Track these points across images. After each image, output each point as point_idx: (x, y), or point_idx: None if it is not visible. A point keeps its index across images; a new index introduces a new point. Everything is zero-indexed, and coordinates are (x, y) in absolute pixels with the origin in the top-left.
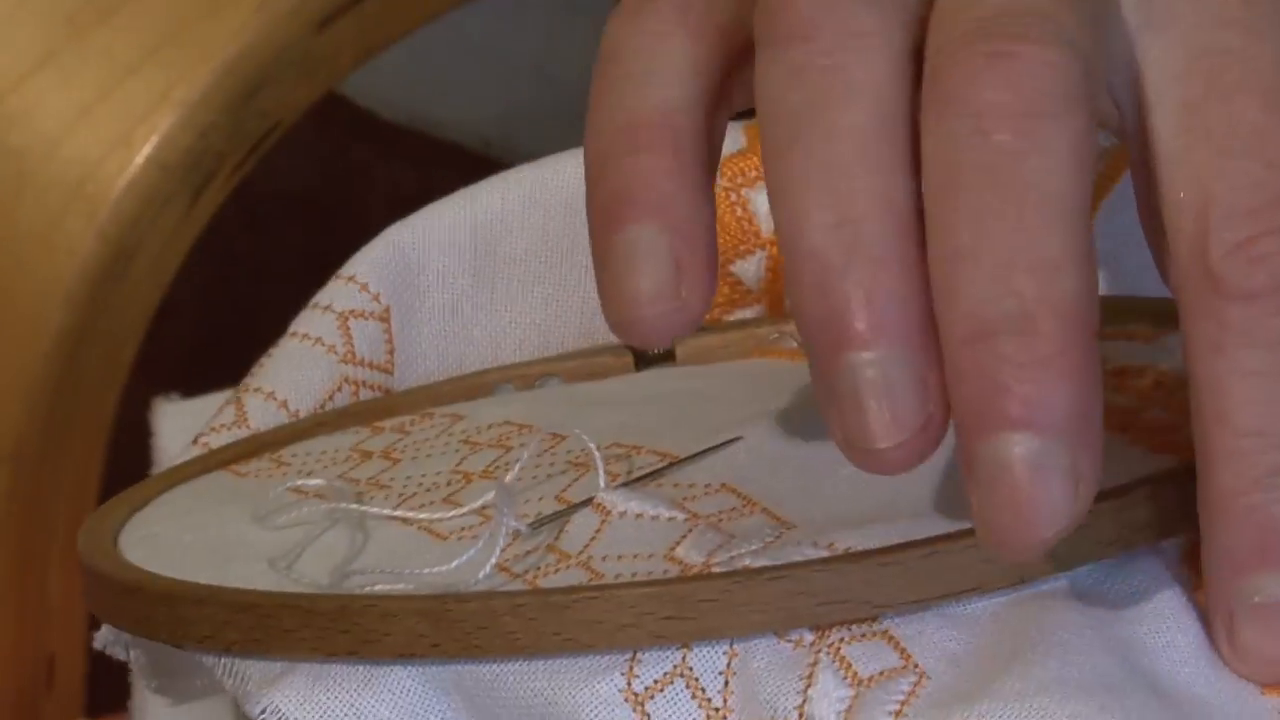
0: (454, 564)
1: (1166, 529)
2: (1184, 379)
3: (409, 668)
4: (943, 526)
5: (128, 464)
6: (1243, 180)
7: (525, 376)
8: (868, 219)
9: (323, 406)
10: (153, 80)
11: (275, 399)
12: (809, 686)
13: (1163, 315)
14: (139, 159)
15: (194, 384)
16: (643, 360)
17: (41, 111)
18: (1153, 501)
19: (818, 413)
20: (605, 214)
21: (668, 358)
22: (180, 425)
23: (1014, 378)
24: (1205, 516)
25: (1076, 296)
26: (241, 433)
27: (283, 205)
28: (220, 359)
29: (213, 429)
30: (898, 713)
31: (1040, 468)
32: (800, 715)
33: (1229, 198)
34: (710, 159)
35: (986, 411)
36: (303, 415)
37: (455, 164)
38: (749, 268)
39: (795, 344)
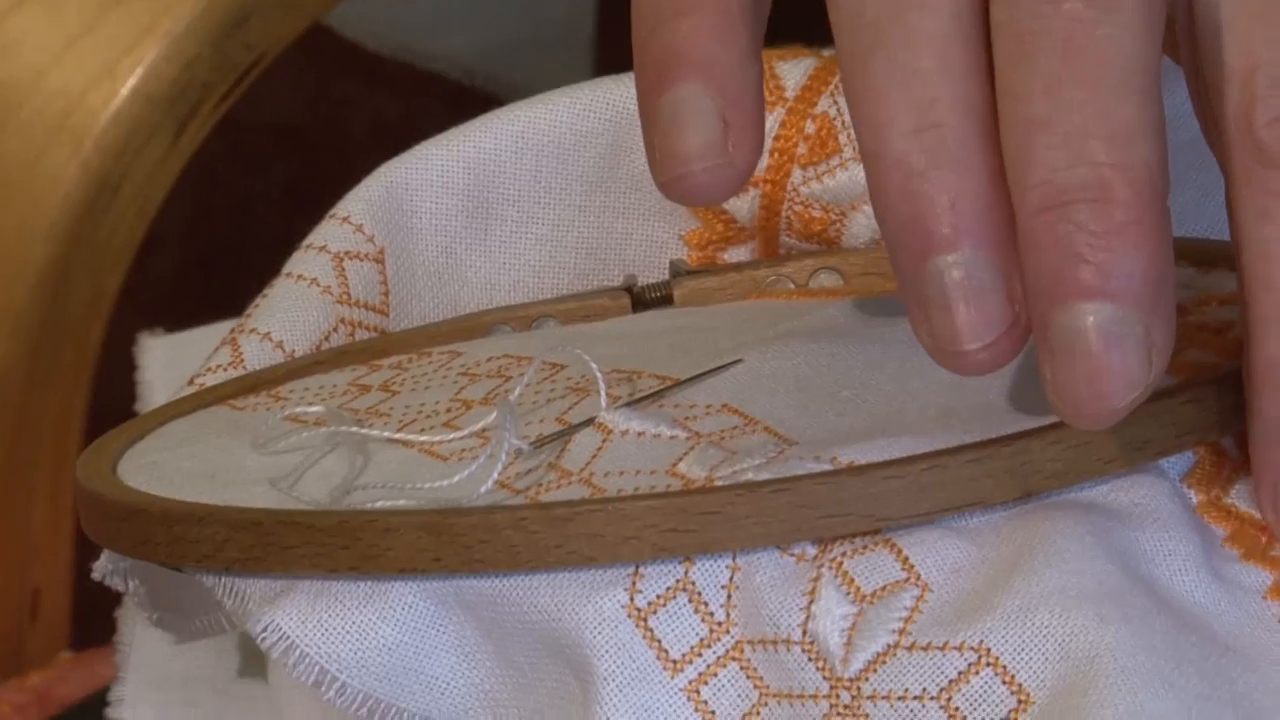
0: (455, 478)
1: (1167, 446)
2: (1225, 324)
3: (411, 583)
4: (946, 441)
5: (112, 398)
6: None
7: (522, 318)
8: (949, 123)
9: (319, 347)
10: (138, 12)
11: (271, 340)
12: (812, 603)
13: (1204, 255)
14: (124, 91)
15: (179, 316)
16: (640, 302)
17: (26, 45)
18: (1154, 419)
19: (817, 338)
20: (653, 75)
21: (665, 300)
22: (165, 359)
23: (1088, 246)
24: (1252, 386)
25: (1150, 165)
26: (237, 373)
27: (268, 137)
28: (205, 291)
29: (209, 370)
30: (901, 630)
31: (1115, 335)
32: (804, 633)
33: (1273, 65)
34: (757, 21)
35: (1061, 280)
36: (298, 356)
37: (439, 95)
38: (742, 205)
39: (793, 286)
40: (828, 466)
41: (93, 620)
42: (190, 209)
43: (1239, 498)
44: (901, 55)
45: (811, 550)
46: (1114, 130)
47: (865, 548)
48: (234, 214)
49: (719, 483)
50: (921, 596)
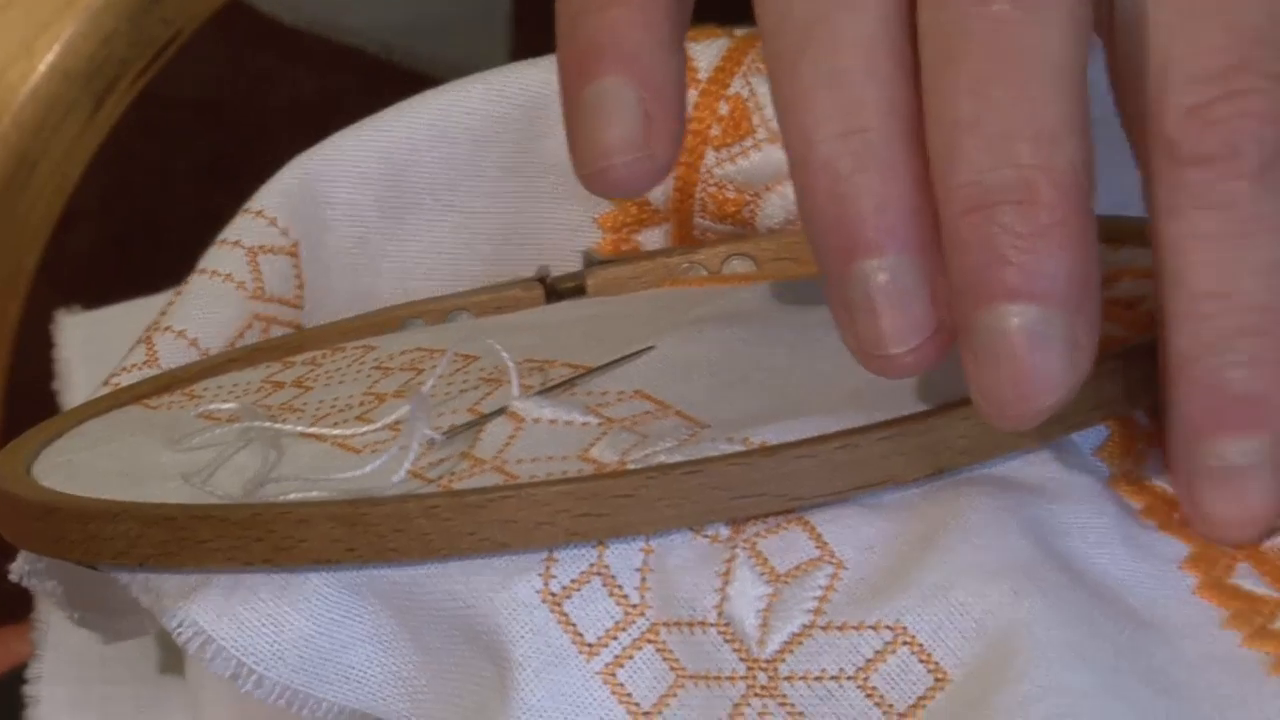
0: (368, 469)
1: (1078, 421)
2: (1137, 298)
3: (325, 574)
4: (858, 421)
5: (30, 375)
6: (1203, 44)
7: (435, 311)
8: (875, 127)
9: (233, 344)
10: None
11: (185, 337)
12: (727, 584)
13: (1114, 232)
14: (41, 67)
15: (97, 293)
16: (553, 293)
17: None
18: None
19: (729, 323)
20: (575, 67)
21: (578, 290)
22: (83, 336)
23: (1013, 247)
24: (1166, 379)
25: (1075, 165)
26: (152, 372)
27: (185, 112)
28: (123, 267)
29: (124, 369)
30: (816, 610)
31: (1039, 337)
32: (719, 614)
33: (1188, 62)
34: (680, 12)
35: (985, 282)
36: (213, 353)
37: (357, 69)
38: (656, 188)
39: (706, 273)
40: (740, 448)
41: (10, 597)
42: (108, 185)
43: (1152, 471)
44: (828, 58)
45: (725, 531)
46: (1039, 131)
47: (779, 527)
48: (152, 189)
49: (631, 466)
50: (836, 574)
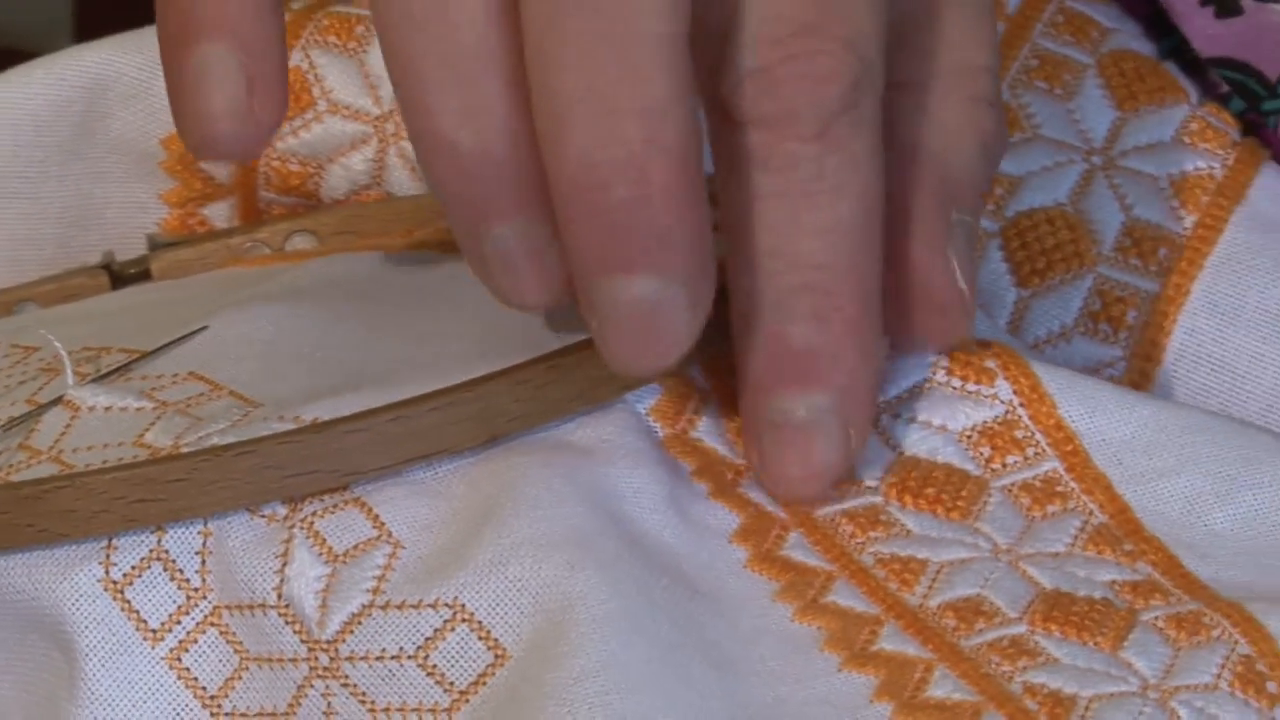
0: None
1: (629, 382)
2: None
3: None
4: (410, 392)
5: None
6: (762, 10)
7: (2, 304)
8: (494, 109)
9: None
10: None
11: None
12: (285, 565)
13: None
14: None
15: None
16: (119, 279)
17: None
18: None
19: (282, 299)
20: (175, 37)
21: (144, 275)
22: None
23: (627, 220)
24: (734, 331)
25: (683, 137)
26: None
27: None
28: None
29: None
30: (375, 590)
31: (658, 303)
32: (279, 596)
33: (755, 23)
34: None
35: (602, 254)
36: None
37: None
38: (219, 165)
39: (269, 251)
40: (291, 425)
41: None
42: None
43: (705, 432)
44: (442, 36)
45: (282, 511)
46: (646, 106)
47: (335, 507)
48: None
49: (185, 449)
50: (394, 554)
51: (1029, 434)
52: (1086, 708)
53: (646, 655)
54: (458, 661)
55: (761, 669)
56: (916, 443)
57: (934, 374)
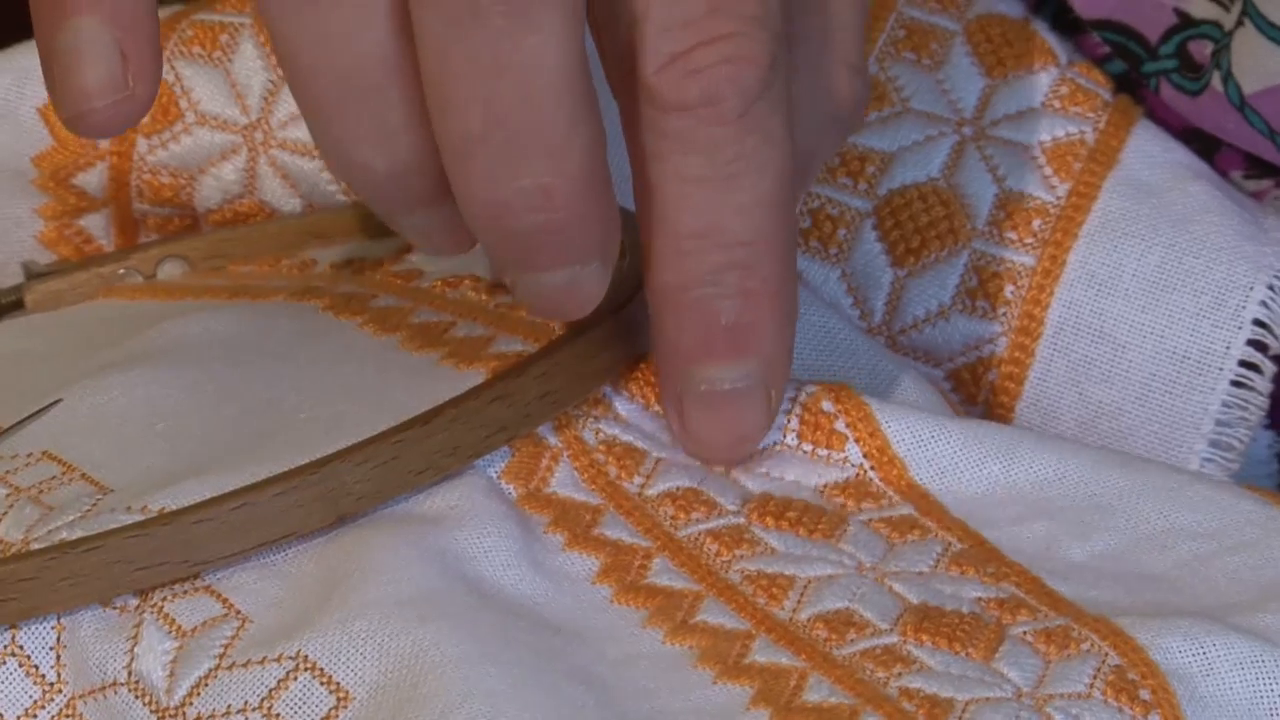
0: None
1: (477, 449)
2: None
3: None
4: (260, 469)
5: None
6: None
7: None
8: (400, 133)
9: None
10: None
11: None
12: (135, 645)
13: None
14: None
15: None
16: None
17: None
18: (461, 424)
19: (135, 364)
20: (47, 12)
21: (17, 305)
22: None
23: (539, 240)
24: (653, 310)
25: (588, 157)
26: None
27: None
28: None
29: None
30: (222, 655)
31: (573, 281)
32: (129, 673)
33: (665, 11)
34: None
35: (519, 261)
36: None
37: None
38: (91, 179)
39: (140, 279)
40: (139, 516)
41: None
42: None
43: (560, 485)
44: (343, 54)
45: (134, 601)
46: (550, 140)
47: (186, 593)
48: None
49: (35, 544)
50: (242, 626)
51: (882, 490)
52: (964, 710)
53: (511, 681)
54: (300, 707)
55: (635, 688)
56: (773, 489)
57: (784, 436)
